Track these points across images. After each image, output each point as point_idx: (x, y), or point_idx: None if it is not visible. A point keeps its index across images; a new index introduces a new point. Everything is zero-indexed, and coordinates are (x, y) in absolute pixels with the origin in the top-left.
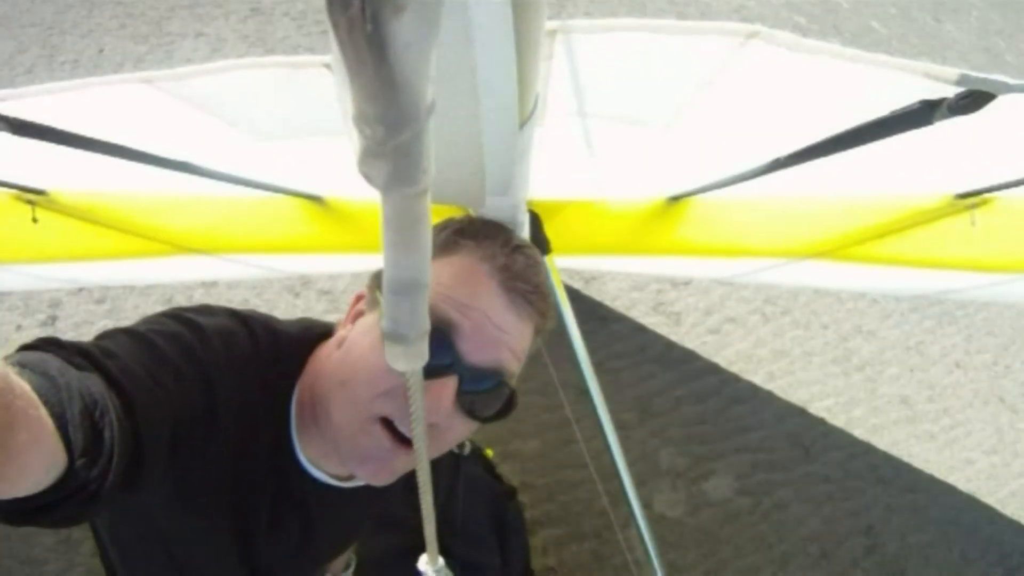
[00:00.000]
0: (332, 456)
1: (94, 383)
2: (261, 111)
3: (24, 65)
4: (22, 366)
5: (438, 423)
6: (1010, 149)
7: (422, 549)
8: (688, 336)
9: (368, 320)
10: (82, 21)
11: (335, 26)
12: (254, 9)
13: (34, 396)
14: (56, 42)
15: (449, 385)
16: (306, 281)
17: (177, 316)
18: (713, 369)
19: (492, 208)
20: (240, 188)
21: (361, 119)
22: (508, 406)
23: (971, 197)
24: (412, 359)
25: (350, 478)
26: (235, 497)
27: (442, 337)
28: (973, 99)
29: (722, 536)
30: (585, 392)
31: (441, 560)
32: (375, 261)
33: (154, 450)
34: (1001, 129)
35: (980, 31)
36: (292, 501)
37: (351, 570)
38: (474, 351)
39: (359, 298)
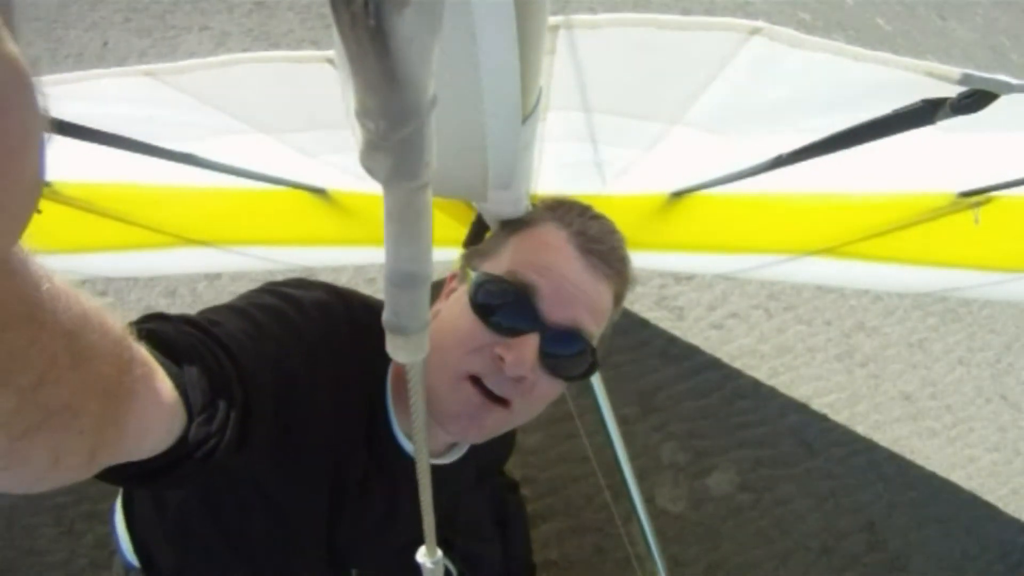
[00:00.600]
0: (426, 427)
1: (206, 346)
2: (264, 104)
3: (28, 59)
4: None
5: (525, 377)
6: (1013, 148)
7: (422, 540)
8: (691, 331)
9: (459, 291)
10: (86, 15)
11: (338, 20)
12: (258, 3)
13: (150, 357)
14: (60, 36)
15: (530, 342)
16: (309, 274)
17: (274, 291)
18: (716, 364)
19: (494, 201)
20: (243, 180)
21: (363, 113)
22: (592, 367)
23: (974, 196)
24: (412, 351)
25: (442, 455)
26: (331, 465)
27: (523, 299)
28: (976, 99)
29: (724, 531)
30: (587, 386)
31: (439, 552)
32: (377, 254)
33: (262, 410)
34: (1004, 128)
35: (985, 29)
36: (382, 473)
37: None
38: (553, 310)
39: (452, 277)
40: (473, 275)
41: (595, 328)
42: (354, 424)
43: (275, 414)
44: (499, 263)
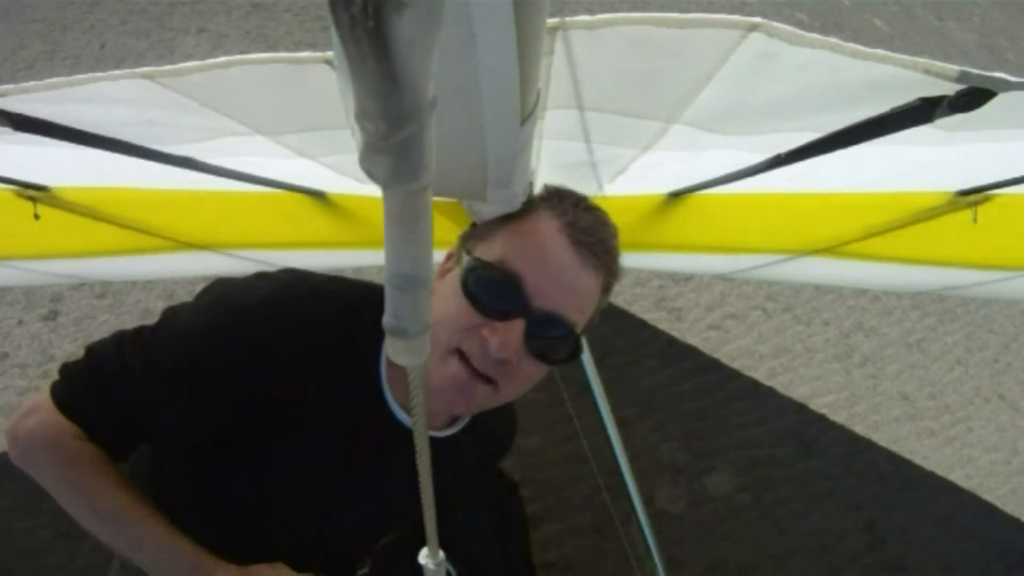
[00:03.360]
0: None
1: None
2: (263, 106)
3: (25, 61)
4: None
5: (508, 360)
6: (1010, 146)
7: (423, 542)
8: (689, 332)
9: (453, 273)
10: (84, 17)
11: (337, 22)
12: (256, 5)
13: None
14: (57, 38)
15: (516, 326)
16: None
17: (219, 295)
18: (714, 365)
19: (493, 201)
20: (242, 183)
21: (363, 115)
22: (574, 352)
23: (972, 194)
24: (413, 354)
25: (441, 428)
26: (310, 432)
27: (511, 285)
28: (973, 96)
29: (722, 532)
30: (586, 388)
31: (441, 554)
32: (376, 257)
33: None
34: (1002, 126)
35: (982, 30)
36: (372, 440)
37: (364, 571)
38: (539, 297)
39: (449, 256)
40: (466, 259)
41: (579, 316)
42: (333, 392)
43: (211, 401)
44: (491, 248)
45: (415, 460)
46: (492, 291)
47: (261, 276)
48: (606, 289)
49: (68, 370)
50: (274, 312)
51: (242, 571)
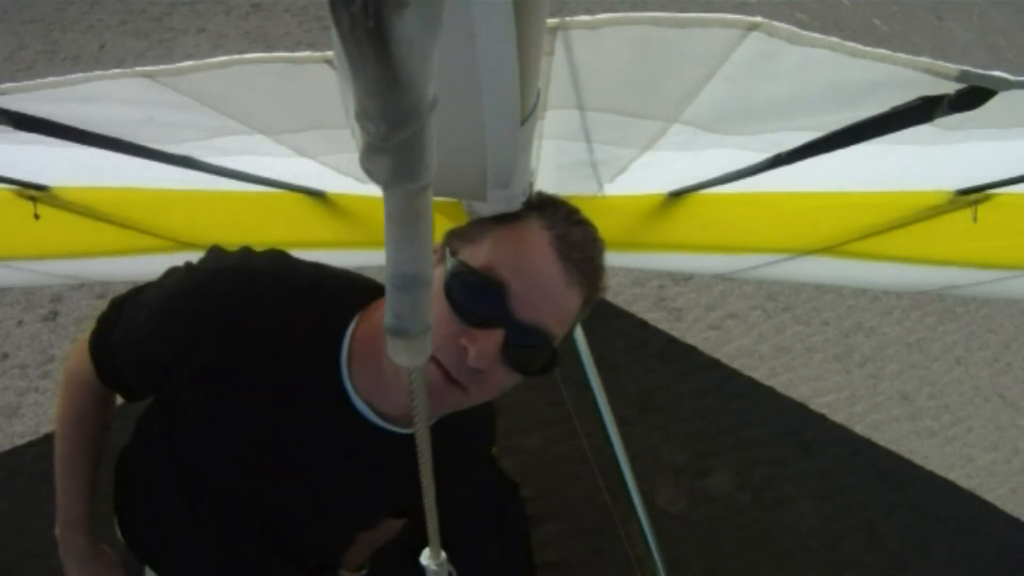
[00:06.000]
0: (386, 393)
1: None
2: (263, 105)
3: (25, 61)
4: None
5: (483, 369)
6: (1010, 145)
7: (424, 543)
8: (689, 332)
9: (437, 272)
10: (83, 17)
11: (337, 22)
12: (255, 5)
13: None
14: (57, 38)
15: (495, 336)
16: None
17: (185, 274)
18: (714, 365)
19: (494, 201)
20: (242, 183)
21: (363, 115)
22: (550, 364)
23: (972, 193)
24: (414, 354)
25: (405, 426)
26: (263, 422)
27: (495, 295)
28: (973, 95)
29: (723, 531)
30: (586, 387)
31: (443, 555)
32: (377, 257)
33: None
34: (1001, 125)
35: (982, 29)
36: (332, 435)
37: (364, 571)
38: (522, 309)
39: (432, 251)
40: (450, 262)
41: (558, 329)
42: (283, 377)
43: (166, 376)
44: (478, 252)
45: (382, 456)
46: (476, 297)
47: (241, 252)
48: (586, 303)
49: (102, 313)
50: (215, 285)
51: (92, 546)
